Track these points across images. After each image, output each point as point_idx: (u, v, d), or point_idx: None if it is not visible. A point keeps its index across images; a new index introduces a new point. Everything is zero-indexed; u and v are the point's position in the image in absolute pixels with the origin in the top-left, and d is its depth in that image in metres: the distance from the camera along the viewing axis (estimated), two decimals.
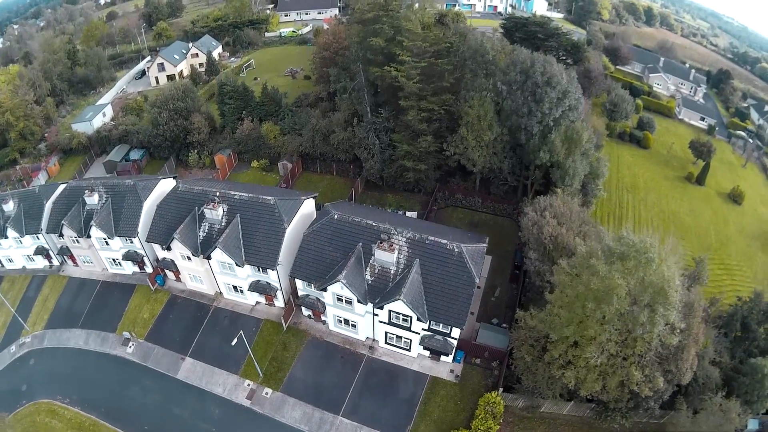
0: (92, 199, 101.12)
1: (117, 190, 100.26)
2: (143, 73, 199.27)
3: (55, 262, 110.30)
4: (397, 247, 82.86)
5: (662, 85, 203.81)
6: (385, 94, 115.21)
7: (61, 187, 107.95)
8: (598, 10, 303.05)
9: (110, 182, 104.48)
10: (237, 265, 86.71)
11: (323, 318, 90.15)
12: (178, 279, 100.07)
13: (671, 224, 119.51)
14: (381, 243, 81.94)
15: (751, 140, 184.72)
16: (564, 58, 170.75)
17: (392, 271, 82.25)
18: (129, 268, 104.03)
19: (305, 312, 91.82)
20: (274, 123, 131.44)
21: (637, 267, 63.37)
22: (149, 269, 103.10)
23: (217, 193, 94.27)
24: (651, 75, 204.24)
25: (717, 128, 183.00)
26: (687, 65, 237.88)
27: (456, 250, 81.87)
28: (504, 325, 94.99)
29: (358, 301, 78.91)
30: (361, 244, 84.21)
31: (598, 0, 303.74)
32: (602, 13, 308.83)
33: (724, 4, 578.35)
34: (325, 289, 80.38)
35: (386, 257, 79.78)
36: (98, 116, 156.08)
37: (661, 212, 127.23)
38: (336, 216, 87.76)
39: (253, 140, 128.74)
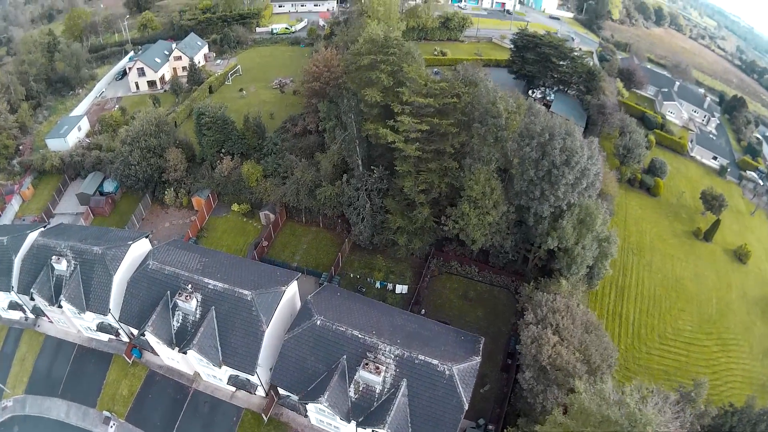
0: (60, 266, 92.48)
1: (85, 257, 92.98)
2: (124, 73, 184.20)
3: (31, 315, 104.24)
4: (384, 367, 75.08)
5: (675, 113, 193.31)
6: (380, 147, 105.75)
7: (30, 238, 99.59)
8: (608, 9, 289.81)
9: (78, 247, 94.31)
10: (214, 366, 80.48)
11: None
12: (155, 353, 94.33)
13: (674, 292, 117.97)
14: (367, 364, 74.50)
15: (761, 182, 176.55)
16: (577, 85, 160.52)
17: (378, 390, 74.62)
18: (105, 335, 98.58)
19: None
20: (256, 161, 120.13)
21: None
22: (125, 338, 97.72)
23: (189, 286, 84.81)
24: (665, 102, 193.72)
25: (729, 169, 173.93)
26: (702, 91, 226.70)
27: (447, 372, 73.91)
28: (490, 426, 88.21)
29: (340, 419, 73.51)
30: (345, 357, 76.71)
31: None
32: (612, 12, 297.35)
33: (731, 2, 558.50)
34: (306, 403, 75.38)
35: (372, 378, 74.86)
36: (73, 130, 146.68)
37: (665, 278, 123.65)
38: (318, 322, 79.54)
39: (233, 183, 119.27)
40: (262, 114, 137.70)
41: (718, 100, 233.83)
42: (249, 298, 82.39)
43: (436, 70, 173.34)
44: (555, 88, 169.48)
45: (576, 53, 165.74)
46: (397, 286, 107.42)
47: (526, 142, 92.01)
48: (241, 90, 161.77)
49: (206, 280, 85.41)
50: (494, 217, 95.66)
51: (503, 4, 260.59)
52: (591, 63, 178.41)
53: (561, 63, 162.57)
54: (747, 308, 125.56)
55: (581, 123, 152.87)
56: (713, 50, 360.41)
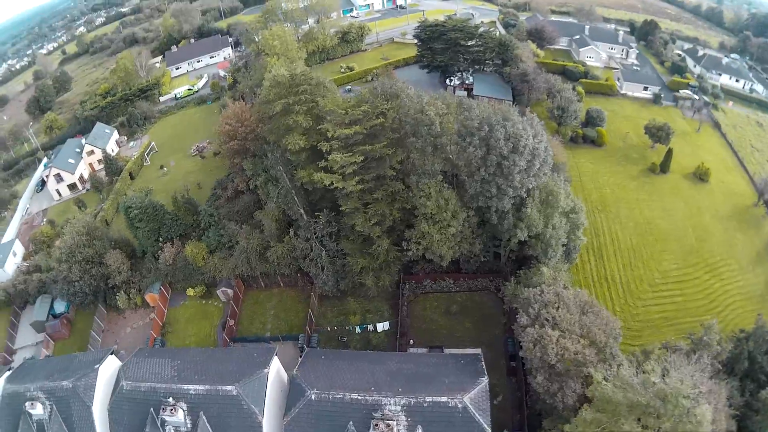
0: (37, 411, 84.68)
1: (58, 395, 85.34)
2: (43, 182, 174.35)
3: None
4: (395, 421, 69.72)
5: (594, 57, 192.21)
6: (319, 190, 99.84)
7: None
8: None
9: (48, 386, 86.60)
10: None
11: None
12: None
13: (650, 237, 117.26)
14: (377, 425, 69.06)
15: (697, 97, 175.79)
16: (492, 61, 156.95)
17: None
18: None
19: None
20: (198, 239, 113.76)
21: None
22: None
23: (170, 398, 78.13)
24: (581, 49, 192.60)
25: (662, 94, 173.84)
26: (612, 27, 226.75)
27: (460, 405, 69.48)
28: None
29: None
30: (352, 423, 71.22)
31: None
32: None
33: None
34: None
35: None
36: (9, 258, 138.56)
37: (637, 225, 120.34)
38: (313, 396, 73.73)
39: (181, 269, 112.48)
40: (189, 187, 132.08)
41: (629, 30, 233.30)
42: (235, 393, 76.25)
43: (348, 87, 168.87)
44: (471, 70, 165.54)
45: (482, 30, 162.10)
46: (378, 324, 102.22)
47: (467, 142, 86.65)
48: (161, 167, 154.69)
49: (186, 386, 78.87)
50: (456, 227, 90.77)
51: (394, 1, 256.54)
52: (499, 34, 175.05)
53: (470, 43, 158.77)
54: (723, 225, 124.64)
55: (508, 97, 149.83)
56: None
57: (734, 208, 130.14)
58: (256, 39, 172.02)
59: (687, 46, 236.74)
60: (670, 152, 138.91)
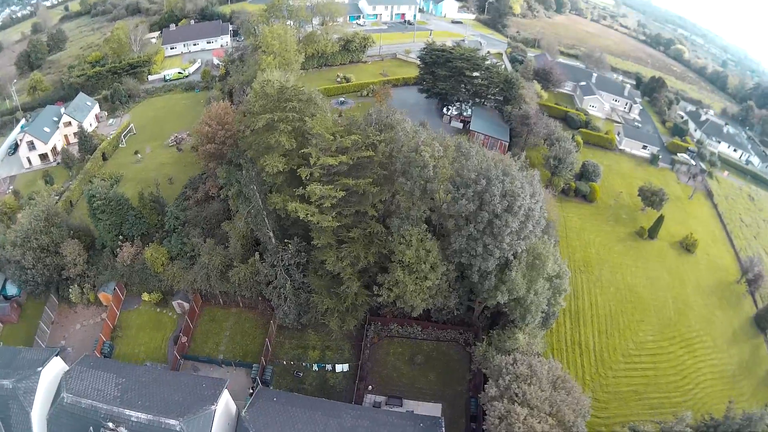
0: None
1: None
2: (16, 146, 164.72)
3: None
4: None
5: (597, 107, 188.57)
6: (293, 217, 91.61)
7: None
8: (509, 4, 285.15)
9: None
10: None
11: None
12: None
13: (629, 304, 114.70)
14: None
15: (694, 162, 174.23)
16: (494, 96, 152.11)
17: None
18: None
19: None
20: (160, 242, 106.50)
21: None
22: None
23: (110, 423, 72.32)
24: (585, 97, 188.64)
25: (660, 155, 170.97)
26: (620, 79, 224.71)
27: None
28: None
29: None
30: None
31: None
32: (514, 8, 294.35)
33: None
34: None
35: None
36: None
37: (618, 291, 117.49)
38: None
39: (138, 272, 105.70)
40: (159, 182, 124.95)
41: (635, 83, 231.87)
42: (177, 430, 70.31)
43: (341, 99, 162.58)
44: (470, 102, 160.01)
45: (489, 62, 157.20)
46: (337, 365, 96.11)
47: (460, 194, 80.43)
48: (136, 153, 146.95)
49: (128, 412, 72.84)
50: (433, 281, 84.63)
51: (403, 15, 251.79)
52: (506, 69, 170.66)
53: (475, 75, 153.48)
54: (703, 300, 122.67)
55: (505, 137, 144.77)
56: (616, 29, 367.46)
57: (717, 283, 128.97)
58: (256, 33, 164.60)
59: (690, 107, 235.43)
60: (661, 219, 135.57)
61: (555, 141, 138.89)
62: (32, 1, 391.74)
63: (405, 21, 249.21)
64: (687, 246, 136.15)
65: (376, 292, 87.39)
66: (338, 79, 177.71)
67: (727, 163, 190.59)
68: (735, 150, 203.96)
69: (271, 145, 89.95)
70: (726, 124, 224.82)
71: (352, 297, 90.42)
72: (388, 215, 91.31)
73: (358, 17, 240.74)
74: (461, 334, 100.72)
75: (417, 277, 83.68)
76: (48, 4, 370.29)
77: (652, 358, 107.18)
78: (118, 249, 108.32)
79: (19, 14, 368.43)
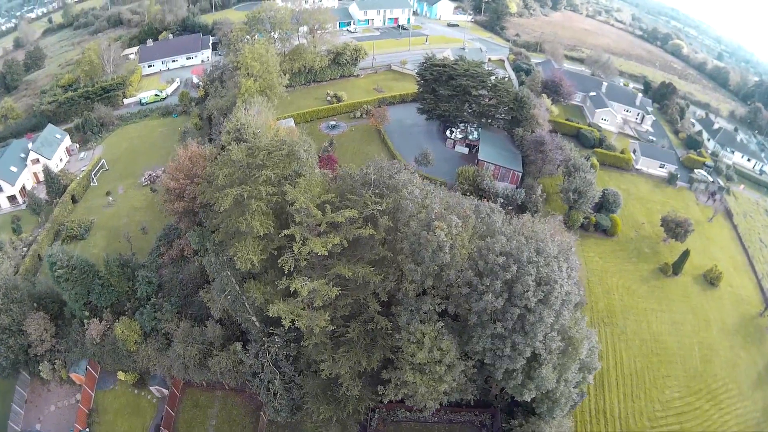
0: None
1: None
2: None
3: None
4: None
5: (609, 120, 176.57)
6: None
7: None
8: (506, 3, 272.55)
9: None
10: None
11: None
12: None
13: (655, 357, 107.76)
14: None
15: (711, 179, 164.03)
16: (503, 117, 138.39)
17: None
18: None
19: None
20: (132, 314, 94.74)
21: None
22: None
23: None
24: (597, 110, 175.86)
25: (678, 174, 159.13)
26: (631, 88, 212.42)
27: None
28: None
29: None
30: None
31: None
32: (510, 7, 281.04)
33: None
34: None
35: None
36: None
37: (643, 343, 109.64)
38: None
39: (109, 352, 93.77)
40: (130, 235, 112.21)
41: (642, 88, 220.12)
42: None
43: (332, 122, 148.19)
44: (476, 124, 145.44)
45: (496, 78, 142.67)
46: None
47: (485, 285, 67.10)
48: (107, 194, 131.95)
49: None
50: (449, 383, 71.31)
51: (396, 19, 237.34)
52: (511, 82, 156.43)
53: (481, 93, 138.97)
54: (729, 342, 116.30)
55: (517, 167, 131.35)
56: (612, 25, 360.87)
57: (741, 319, 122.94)
58: (237, 50, 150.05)
59: (699, 112, 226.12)
60: (686, 254, 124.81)
61: (573, 170, 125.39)
62: (18, 13, 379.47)
63: (398, 26, 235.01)
64: (711, 280, 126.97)
65: (381, 392, 73.54)
66: (328, 98, 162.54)
67: (742, 175, 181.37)
68: (749, 160, 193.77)
69: (242, 231, 74.34)
70: (736, 129, 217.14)
71: (354, 402, 76.07)
72: (393, 302, 76.19)
73: (349, 23, 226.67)
74: (477, 416, 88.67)
75: (431, 379, 70.14)
76: (33, 15, 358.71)
77: (678, 417, 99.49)
78: (87, 321, 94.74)
79: (3, 27, 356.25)
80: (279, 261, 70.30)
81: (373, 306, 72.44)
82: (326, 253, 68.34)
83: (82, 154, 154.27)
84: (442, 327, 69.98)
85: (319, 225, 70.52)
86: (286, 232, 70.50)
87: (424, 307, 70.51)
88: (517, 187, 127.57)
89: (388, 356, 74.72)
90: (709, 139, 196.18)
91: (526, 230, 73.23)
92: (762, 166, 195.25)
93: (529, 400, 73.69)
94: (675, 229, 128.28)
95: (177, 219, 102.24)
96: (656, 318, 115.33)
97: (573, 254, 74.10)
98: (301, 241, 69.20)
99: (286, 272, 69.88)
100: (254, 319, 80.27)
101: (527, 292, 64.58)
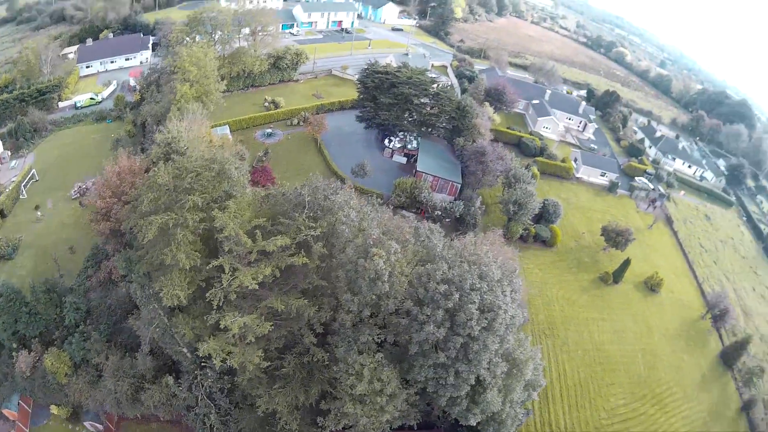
0: None
1: None
2: None
3: None
4: None
5: (551, 128, 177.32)
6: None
7: None
8: (451, 7, 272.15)
9: None
10: None
11: None
12: None
13: (598, 366, 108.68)
14: None
15: (652, 186, 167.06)
16: (444, 126, 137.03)
17: None
18: None
19: None
20: (61, 342, 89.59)
21: None
22: None
23: None
24: (539, 118, 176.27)
25: (619, 182, 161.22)
26: (575, 96, 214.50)
27: None
28: None
29: None
30: None
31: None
32: (455, 12, 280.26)
33: None
34: None
35: None
36: None
37: (585, 354, 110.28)
38: None
39: (40, 386, 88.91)
40: (57, 257, 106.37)
41: (585, 95, 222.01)
42: None
43: (269, 130, 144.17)
44: (416, 133, 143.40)
45: (439, 86, 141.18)
46: None
47: (425, 315, 65.24)
48: (36, 208, 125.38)
49: None
50: (391, 412, 69.21)
51: (340, 23, 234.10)
52: (453, 89, 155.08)
53: (423, 101, 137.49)
54: (672, 346, 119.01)
55: (457, 178, 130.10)
56: (557, 32, 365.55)
57: (682, 323, 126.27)
58: (175, 53, 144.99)
59: (641, 119, 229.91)
60: (627, 263, 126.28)
61: (513, 180, 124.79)
62: None
63: (342, 29, 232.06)
64: (652, 286, 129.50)
65: (321, 423, 70.55)
66: (266, 104, 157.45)
67: (683, 182, 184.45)
68: (689, 166, 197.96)
69: (167, 264, 69.10)
70: (677, 136, 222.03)
71: None
72: (329, 331, 72.87)
73: (292, 26, 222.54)
74: None
75: (372, 409, 67.99)
76: None
77: (624, 424, 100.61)
78: (16, 354, 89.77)
79: None
80: (207, 295, 66.27)
81: (308, 338, 69.40)
82: (257, 284, 64.99)
83: (13, 163, 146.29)
84: (381, 358, 67.55)
85: (250, 253, 66.97)
86: (215, 263, 66.25)
87: (362, 338, 67.69)
88: (455, 199, 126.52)
89: (326, 389, 71.97)
90: (650, 147, 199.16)
91: (468, 253, 71.69)
92: (702, 173, 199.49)
93: (474, 424, 72.11)
94: (616, 238, 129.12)
95: (104, 240, 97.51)
96: (598, 327, 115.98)
97: (516, 276, 73.47)
98: (230, 273, 65.37)
99: (215, 306, 66.03)
100: (185, 351, 76.40)
101: (470, 320, 63.18)
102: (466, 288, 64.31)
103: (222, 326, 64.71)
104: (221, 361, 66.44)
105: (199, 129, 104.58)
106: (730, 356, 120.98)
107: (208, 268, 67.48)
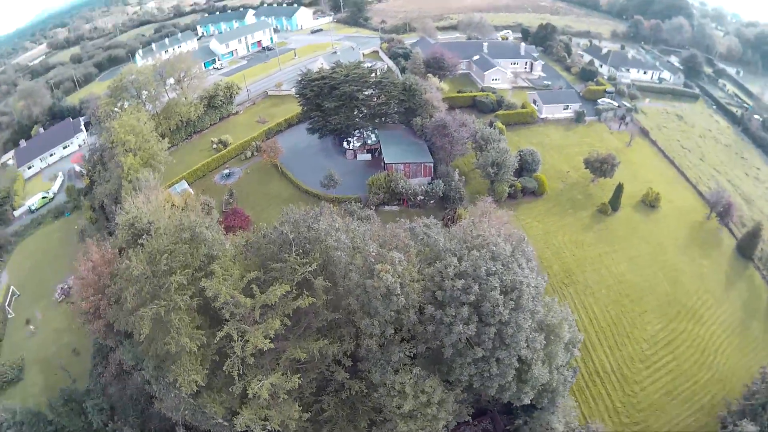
0: None
1: None
2: None
3: None
4: None
5: (501, 78, 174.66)
6: None
7: None
8: None
9: None
10: None
11: None
12: None
13: (625, 299, 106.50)
14: None
15: (617, 104, 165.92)
16: (397, 112, 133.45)
17: None
18: None
19: None
20: None
21: None
22: None
23: None
24: (485, 72, 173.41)
25: (584, 110, 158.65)
26: (510, 38, 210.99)
27: None
28: None
29: None
30: None
31: None
32: None
33: None
34: None
35: None
36: None
37: (609, 290, 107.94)
38: None
39: None
40: (64, 364, 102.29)
41: (522, 36, 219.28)
42: None
43: (226, 171, 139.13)
44: (371, 127, 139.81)
45: (378, 73, 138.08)
46: None
47: (451, 316, 61.78)
48: (27, 323, 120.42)
49: None
50: (445, 418, 65.87)
51: (259, 42, 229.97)
52: (391, 71, 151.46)
53: (368, 93, 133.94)
54: (688, 256, 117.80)
55: (427, 158, 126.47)
56: None
57: (691, 230, 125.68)
58: (107, 126, 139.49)
59: (583, 41, 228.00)
60: (620, 188, 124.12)
61: (483, 142, 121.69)
62: None
63: (263, 48, 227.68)
64: (651, 203, 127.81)
65: None
66: (214, 146, 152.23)
67: (644, 89, 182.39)
68: (645, 72, 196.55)
69: (173, 351, 64.37)
70: (623, 47, 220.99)
71: None
72: (358, 358, 69.15)
73: (214, 61, 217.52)
74: (476, 425, 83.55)
75: (424, 421, 64.57)
76: None
77: (668, 347, 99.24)
78: None
79: None
80: (225, 367, 62.37)
81: (339, 375, 65.78)
82: (268, 343, 60.77)
83: None
84: (419, 371, 64.13)
85: (253, 310, 62.72)
86: (221, 334, 61.18)
87: (393, 357, 64.15)
88: (432, 179, 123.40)
89: (374, 417, 68.46)
90: (601, 66, 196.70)
91: (471, 237, 68.32)
92: (659, 74, 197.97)
93: (528, 402, 69.74)
94: (601, 167, 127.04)
95: (102, 336, 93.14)
96: (613, 260, 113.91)
97: (527, 243, 70.96)
98: (239, 338, 61.37)
99: (236, 375, 62.12)
100: (223, 422, 72.24)
101: (497, 307, 60.08)
102: (482, 275, 61.03)
103: (250, 394, 60.51)
104: (261, 429, 62.02)
105: (157, 198, 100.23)
106: (746, 248, 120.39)
107: (216, 341, 63.13)
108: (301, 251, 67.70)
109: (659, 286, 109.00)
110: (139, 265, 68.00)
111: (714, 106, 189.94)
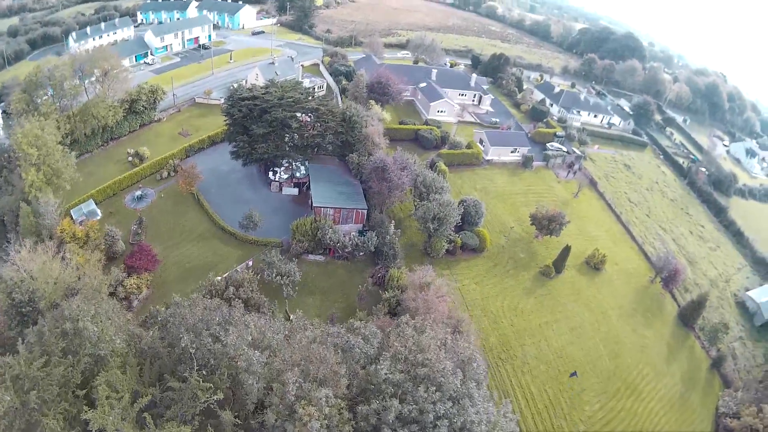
0: None
1: None
2: None
3: None
4: None
5: (447, 110, 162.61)
6: None
7: None
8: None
9: None
10: None
11: None
12: None
13: (564, 377, 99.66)
14: None
15: (566, 149, 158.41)
16: (333, 144, 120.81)
17: None
18: None
19: None
20: None
21: None
22: None
23: None
24: (431, 103, 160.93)
25: (533, 155, 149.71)
26: (462, 67, 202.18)
27: None
28: None
29: None
30: None
31: None
32: (316, 1, 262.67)
33: None
34: None
35: None
36: None
37: (549, 366, 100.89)
38: None
39: None
40: None
41: (471, 63, 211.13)
42: None
43: (138, 192, 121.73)
44: (301, 158, 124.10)
45: (317, 99, 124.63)
46: None
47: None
48: None
49: None
50: None
51: (196, 39, 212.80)
52: (339, 103, 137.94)
53: (303, 121, 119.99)
54: (631, 325, 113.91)
55: (360, 203, 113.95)
56: None
57: (635, 294, 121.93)
58: (16, 130, 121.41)
59: (534, 75, 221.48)
60: (567, 250, 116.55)
61: (424, 189, 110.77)
62: None
63: (199, 46, 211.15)
64: (595, 265, 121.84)
65: None
66: (129, 159, 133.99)
67: (593, 134, 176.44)
68: (595, 116, 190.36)
69: None
70: (573, 84, 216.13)
71: None
72: None
73: (146, 54, 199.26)
74: None
75: None
76: None
77: (606, 427, 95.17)
78: None
79: None
80: None
81: None
82: None
83: None
84: None
85: None
86: None
87: None
88: (364, 227, 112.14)
89: None
90: (552, 105, 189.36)
91: (412, 357, 56.47)
92: (609, 119, 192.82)
93: None
94: (548, 226, 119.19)
95: None
96: (553, 331, 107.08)
97: (478, 359, 64.49)
98: None
99: None
100: None
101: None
102: (429, 421, 52.39)
103: None
104: None
105: (47, 248, 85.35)
106: (688, 317, 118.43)
107: None
108: (204, 369, 56.23)
109: (600, 361, 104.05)
110: (5, 395, 53.75)
111: (662, 156, 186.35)
